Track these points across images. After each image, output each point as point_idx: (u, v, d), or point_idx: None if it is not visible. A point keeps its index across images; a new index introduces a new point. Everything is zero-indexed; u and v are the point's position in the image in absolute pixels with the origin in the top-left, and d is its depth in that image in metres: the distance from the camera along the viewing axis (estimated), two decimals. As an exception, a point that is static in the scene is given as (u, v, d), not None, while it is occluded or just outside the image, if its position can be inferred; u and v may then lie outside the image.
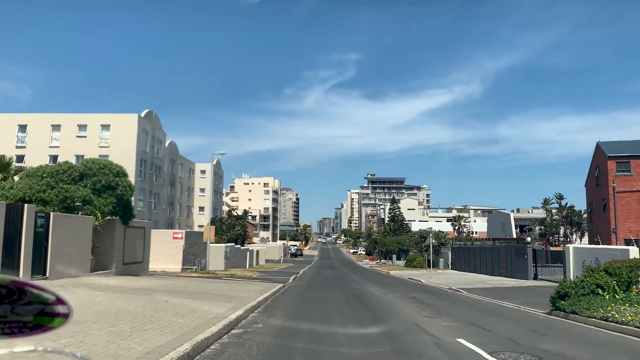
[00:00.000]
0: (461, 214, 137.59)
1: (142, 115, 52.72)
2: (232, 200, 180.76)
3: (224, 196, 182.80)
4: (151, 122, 55.38)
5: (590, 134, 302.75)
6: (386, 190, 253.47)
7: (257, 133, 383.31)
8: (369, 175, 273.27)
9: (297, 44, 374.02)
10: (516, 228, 60.49)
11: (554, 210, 54.62)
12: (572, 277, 28.18)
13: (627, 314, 11.36)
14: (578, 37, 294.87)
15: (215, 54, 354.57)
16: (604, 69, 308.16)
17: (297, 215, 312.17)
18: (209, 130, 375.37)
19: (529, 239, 42.39)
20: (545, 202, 54.03)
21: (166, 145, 67.18)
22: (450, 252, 54.60)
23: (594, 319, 12.40)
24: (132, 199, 23.65)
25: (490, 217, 69.85)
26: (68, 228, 17.69)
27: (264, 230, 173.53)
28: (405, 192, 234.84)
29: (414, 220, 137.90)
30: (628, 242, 37.28)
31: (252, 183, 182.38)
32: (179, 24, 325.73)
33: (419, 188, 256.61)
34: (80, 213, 19.68)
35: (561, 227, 53.88)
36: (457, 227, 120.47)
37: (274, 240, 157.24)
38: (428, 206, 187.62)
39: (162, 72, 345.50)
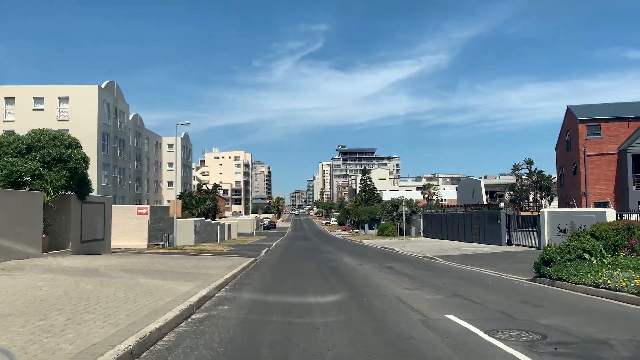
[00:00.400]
0: (430, 183, 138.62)
1: (103, 86, 50.02)
2: (203, 175, 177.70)
3: (194, 171, 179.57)
4: (113, 94, 52.72)
5: (554, 101, 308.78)
6: (357, 161, 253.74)
7: (226, 106, 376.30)
8: (340, 147, 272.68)
9: (264, 14, 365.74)
10: (486, 194, 60.59)
11: (524, 176, 54.72)
12: (546, 242, 27.93)
13: (621, 280, 10.67)
14: (542, 5, 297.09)
15: (180, 26, 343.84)
16: (567, 38, 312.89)
17: (270, 189, 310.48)
18: (177, 105, 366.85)
19: (502, 204, 42.27)
20: (515, 167, 54.04)
21: (130, 118, 64.48)
22: (422, 220, 54.40)
23: (583, 286, 11.71)
24: (88, 172, 21.97)
25: (460, 184, 69.92)
26: (14, 205, 16.09)
27: (236, 204, 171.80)
28: (376, 163, 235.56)
29: (385, 190, 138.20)
30: (598, 205, 37.42)
31: (223, 157, 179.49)
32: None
33: (389, 158, 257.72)
34: (29, 189, 18.03)
35: (531, 192, 54.10)
36: (426, 196, 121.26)
37: (247, 214, 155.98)
38: (398, 176, 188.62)
39: (126, 44, 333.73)
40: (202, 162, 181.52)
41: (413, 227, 54.03)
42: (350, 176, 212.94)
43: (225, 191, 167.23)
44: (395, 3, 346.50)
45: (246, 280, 13.92)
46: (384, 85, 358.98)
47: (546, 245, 28.59)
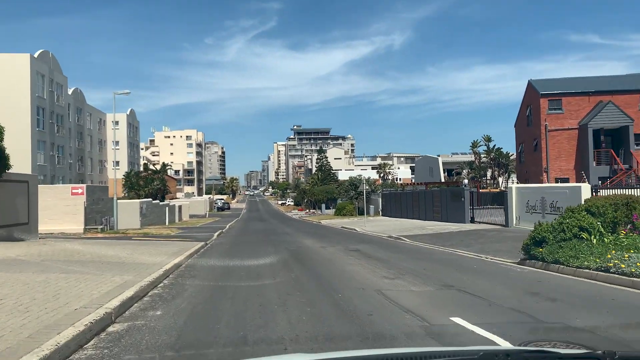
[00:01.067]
0: (386, 162, 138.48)
1: (36, 55, 45.45)
2: (153, 155, 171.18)
3: (143, 150, 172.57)
4: (48, 64, 48.17)
5: (501, 83, 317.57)
6: (312, 141, 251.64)
7: (177, 85, 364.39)
8: (295, 127, 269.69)
9: None
10: (444, 172, 59.91)
11: (482, 154, 54.21)
12: (514, 219, 26.86)
13: (638, 262, 9.08)
14: None
15: (129, 3, 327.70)
16: (514, 21, 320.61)
17: (224, 169, 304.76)
18: (124, 84, 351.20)
19: (465, 181, 41.28)
20: (474, 144, 53.38)
21: (70, 92, 59.77)
22: (380, 199, 53.07)
23: (587, 270, 10.09)
24: (13, 147, 18.88)
25: (417, 162, 69.13)
26: None
27: (189, 185, 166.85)
28: (331, 143, 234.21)
29: (341, 170, 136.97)
30: (558, 182, 36.89)
31: (174, 136, 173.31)
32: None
33: (344, 138, 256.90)
34: None
35: (489, 170, 53.69)
36: (382, 175, 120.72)
37: (200, 195, 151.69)
38: (353, 155, 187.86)
39: (68, 17, 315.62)
40: (152, 142, 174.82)
41: (372, 207, 52.67)
42: (306, 156, 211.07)
43: (177, 172, 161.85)
44: None
45: (191, 272, 11.59)
46: (338, 66, 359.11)
47: (514, 222, 27.73)
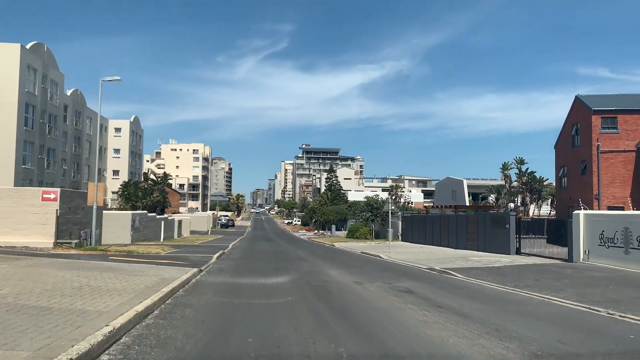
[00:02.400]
0: (397, 184, 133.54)
1: (28, 47, 41.35)
2: (158, 167, 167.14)
3: (148, 163, 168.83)
4: (42, 59, 44.07)
5: (509, 112, 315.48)
6: (321, 161, 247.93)
7: (187, 101, 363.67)
8: (303, 146, 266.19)
9: (229, 10, 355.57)
10: (469, 196, 54.97)
11: (512, 177, 49.37)
12: (581, 253, 21.88)
13: None
14: (500, 18, 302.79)
15: (143, 17, 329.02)
16: (523, 51, 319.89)
17: (230, 186, 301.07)
18: (137, 97, 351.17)
19: (511, 205, 36.31)
20: (504, 166, 48.49)
21: (69, 93, 55.74)
22: (400, 222, 48.11)
23: None
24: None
25: (438, 184, 64.22)
26: None
27: (193, 200, 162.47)
28: (340, 163, 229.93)
29: (350, 190, 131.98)
30: (612, 210, 31.92)
31: (181, 149, 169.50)
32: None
33: (352, 159, 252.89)
34: None
35: (519, 195, 48.74)
36: (394, 197, 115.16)
37: (204, 210, 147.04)
38: (363, 176, 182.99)
39: (84, 33, 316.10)
40: (158, 154, 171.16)
41: (390, 230, 47.67)
42: (314, 175, 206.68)
43: (181, 186, 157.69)
44: (360, 8, 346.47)
45: (159, 336, 6.73)
46: (347, 88, 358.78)
47: (581, 256, 22.72)
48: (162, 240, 34.58)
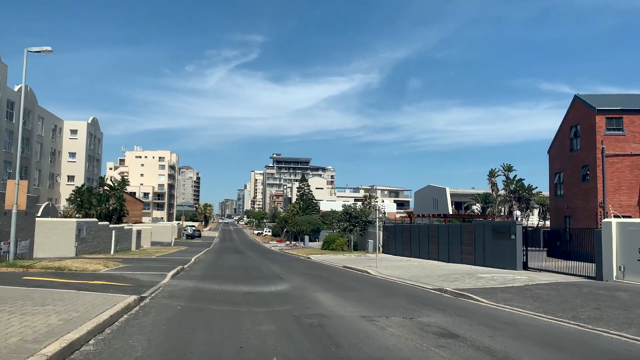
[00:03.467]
0: (371, 194, 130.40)
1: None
2: (122, 175, 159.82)
3: (111, 170, 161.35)
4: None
5: (475, 125, 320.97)
6: (291, 171, 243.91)
7: (155, 110, 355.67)
8: (274, 155, 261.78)
9: (200, 20, 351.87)
10: (452, 205, 51.71)
11: (500, 185, 46.32)
12: (614, 270, 18.41)
13: None
14: (467, 33, 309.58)
15: (111, 24, 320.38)
16: (489, 66, 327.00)
17: (198, 196, 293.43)
18: (102, 105, 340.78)
19: (518, 213, 32.91)
20: (491, 173, 45.41)
21: (15, 89, 50.33)
22: (380, 232, 44.32)
23: None
24: None
25: (419, 192, 60.88)
26: None
27: (158, 210, 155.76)
28: (311, 173, 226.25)
29: (322, 200, 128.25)
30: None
31: (146, 157, 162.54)
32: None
33: (324, 169, 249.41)
34: None
35: (506, 204, 45.72)
36: (367, 207, 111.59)
37: (170, 221, 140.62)
38: (335, 186, 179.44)
39: (52, 39, 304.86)
40: (122, 161, 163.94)
41: (370, 241, 43.92)
42: (285, 185, 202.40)
43: (146, 194, 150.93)
44: (330, 21, 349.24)
45: None
46: (317, 100, 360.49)
47: (614, 274, 19.14)
48: (112, 252, 29.80)
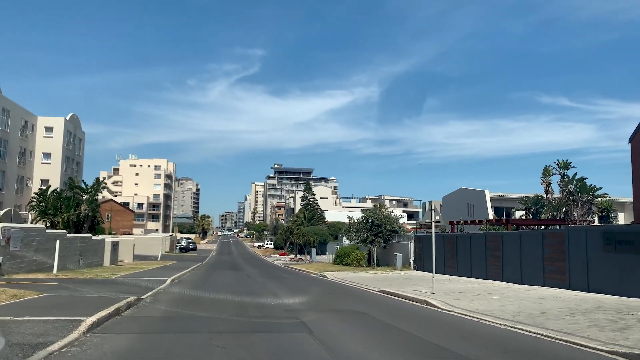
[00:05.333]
0: (380, 203, 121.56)
1: None
2: (115, 185, 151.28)
3: (105, 179, 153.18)
4: None
5: (474, 138, 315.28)
6: (293, 181, 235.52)
7: (156, 124, 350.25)
8: (275, 165, 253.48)
9: (200, 35, 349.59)
10: (492, 210, 43.28)
11: (556, 186, 37.97)
12: None
13: None
14: (465, 47, 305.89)
15: (112, 38, 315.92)
16: (488, 79, 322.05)
17: (197, 208, 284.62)
18: (104, 118, 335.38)
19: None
20: (546, 172, 37.21)
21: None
22: (411, 244, 35.88)
23: None
24: None
25: (447, 198, 52.47)
26: None
27: (153, 221, 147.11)
28: (314, 183, 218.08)
29: (327, 210, 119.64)
30: None
31: (141, 165, 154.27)
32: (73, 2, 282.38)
33: (326, 180, 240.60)
34: None
35: (564, 207, 37.37)
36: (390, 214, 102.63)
37: (166, 232, 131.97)
38: (340, 196, 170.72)
39: (53, 52, 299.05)
40: (116, 170, 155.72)
41: (398, 255, 35.45)
42: (287, 196, 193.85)
43: (140, 205, 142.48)
44: (330, 35, 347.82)
45: None
46: (317, 113, 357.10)
47: None
48: (55, 271, 21.33)
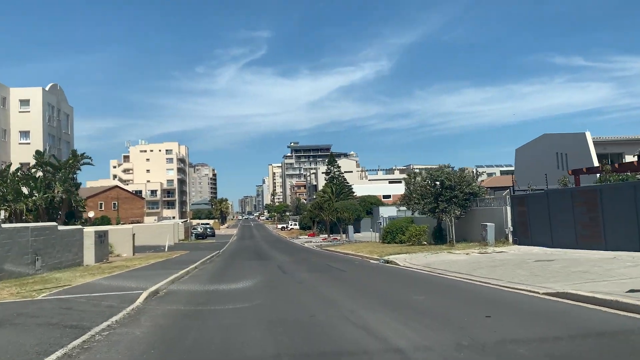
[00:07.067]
0: (412, 173, 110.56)
1: None
2: (125, 173, 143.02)
3: (115, 168, 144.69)
4: None
5: (488, 105, 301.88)
6: (312, 159, 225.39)
7: (167, 114, 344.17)
8: (292, 144, 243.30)
9: (204, 20, 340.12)
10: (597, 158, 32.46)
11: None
12: None
13: None
14: (473, 13, 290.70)
15: (117, 31, 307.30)
16: (498, 44, 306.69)
17: (215, 194, 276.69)
18: (114, 111, 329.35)
19: None
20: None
21: None
22: (507, 208, 25.41)
23: None
24: None
25: (524, 149, 41.64)
26: None
27: (169, 208, 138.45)
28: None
29: (353, 185, 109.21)
30: None
31: (152, 150, 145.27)
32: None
33: (346, 155, 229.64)
34: None
35: None
36: (411, 188, 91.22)
37: (184, 219, 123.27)
38: (365, 168, 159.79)
39: (61, 46, 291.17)
40: (126, 158, 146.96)
41: (489, 225, 25.06)
42: (306, 174, 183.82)
43: (153, 192, 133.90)
44: (335, 10, 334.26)
45: None
46: (328, 92, 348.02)
47: None
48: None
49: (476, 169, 28.02)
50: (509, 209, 25.14)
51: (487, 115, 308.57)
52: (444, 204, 28.03)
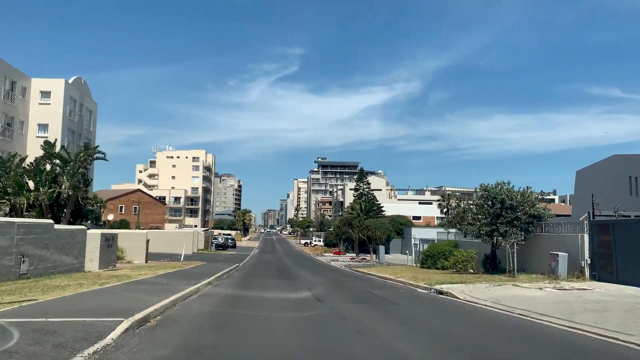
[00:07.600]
0: (445, 194, 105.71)
1: None
2: (151, 178, 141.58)
3: (141, 173, 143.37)
4: None
5: (520, 133, 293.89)
6: (338, 175, 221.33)
7: (199, 125, 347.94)
8: (319, 159, 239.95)
9: (239, 35, 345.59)
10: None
11: None
12: None
13: None
14: (510, 39, 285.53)
15: (153, 41, 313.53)
16: (534, 71, 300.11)
17: (239, 204, 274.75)
18: (148, 120, 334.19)
19: None
20: None
21: None
22: (583, 237, 21.05)
23: None
24: None
25: (585, 172, 37.04)
26: None
27: (192, 217, 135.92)
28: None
29: (382, 204, 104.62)
30: None
31: (178, 157, 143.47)
32: (116, 5, 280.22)
33: (374, 173, 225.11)
34: None
35: None
36: (445, 210, 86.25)
37: (206, 228, 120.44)
38: (394, 187, 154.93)
39: (99, 57, 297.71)
40: (153, 163, 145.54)
41: (562, 255, 20.79)
42: (334, 190, 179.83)
43: (177, 199, 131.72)
44: (368, 31, 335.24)
45: None
46: (357, 110, 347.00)
47: None
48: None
49: (530, 191, 23.84)
50: (586, 237, 20.81)
51: (519, 142, 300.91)
52: (504, 227, 23.79)
